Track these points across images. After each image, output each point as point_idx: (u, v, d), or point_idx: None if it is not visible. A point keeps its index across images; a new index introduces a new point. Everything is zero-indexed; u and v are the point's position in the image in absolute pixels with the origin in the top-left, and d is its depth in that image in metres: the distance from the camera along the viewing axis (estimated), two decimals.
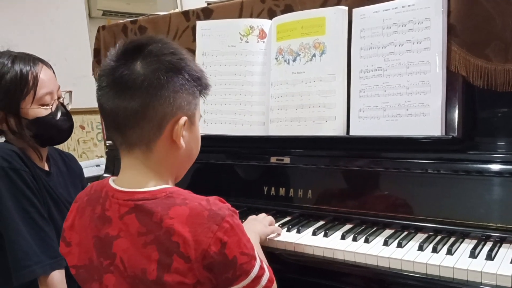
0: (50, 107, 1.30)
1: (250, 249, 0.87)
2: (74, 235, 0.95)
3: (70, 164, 1.50)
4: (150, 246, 0.83)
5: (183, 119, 0.89)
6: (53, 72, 1.36)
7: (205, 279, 0.83)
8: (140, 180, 0.89)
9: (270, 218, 1.28)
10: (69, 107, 1.40)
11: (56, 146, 1.49)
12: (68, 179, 1.45)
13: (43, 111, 1.29)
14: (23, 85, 1.25)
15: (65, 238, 0.97)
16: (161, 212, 0.83)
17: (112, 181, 0.93)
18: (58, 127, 1.33)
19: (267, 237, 1.22)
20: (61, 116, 1.33)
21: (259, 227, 1.18)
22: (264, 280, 0.87)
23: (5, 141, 1.32)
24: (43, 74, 1.30)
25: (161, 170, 0.91)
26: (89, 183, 1.99)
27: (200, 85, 0.92)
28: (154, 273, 0.82)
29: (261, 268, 0.87)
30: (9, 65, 1.26)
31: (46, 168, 1.39)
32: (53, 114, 1.31)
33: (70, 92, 1.42)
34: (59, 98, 1.35)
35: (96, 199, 0.93)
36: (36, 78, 1.27)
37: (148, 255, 0.83)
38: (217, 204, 0.85)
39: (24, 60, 1.28)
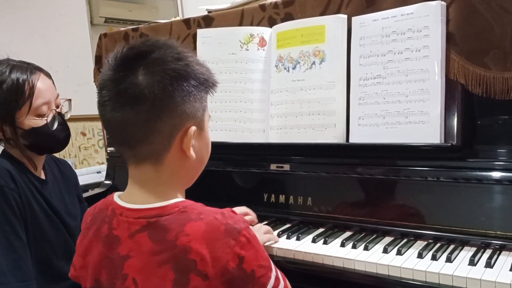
0: (46, 118, 1.27)
1: (266, 260, 0.84)
2: (77, 257, 0.92)
3: (65, 171, 1.48)
4: (164, 265, 0.79)
5: (192, 129, 0.84)
6: (52, 81, 1.33)
7: None
8: (150, 195, 0.85)
9: (267, 227, 1.28)
10: (68, 116, 1.37)
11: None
12: (63, 187, 1.43)
13: (39, 122, 1.26)
14: (19, 95, 1.22)
15: (73, 261, 0.94)
16: (176, 229, 0.79)
17: (117, 198, 0.88)
18: (54, 137, 1.30)
19: (264, 244, 1.21)
20: (57, 126, 1.30)
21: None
22: None
23: (3, 150, 1.30)
24: (41, 83, 1.26)
25: (172, 183, 0.87)
26: (89, 190, 2.00)
27: (207, 86, 0.87)
28: None
29: (277, 278, 0.85)
30: (7, 74, 1.23)
31: (43, 176, 1.36)
32: (48, 125, 1.28)
33: (69, 100, 1.39)
34: (58, 106, 1.32)
35: (102, 218, 0.88)
36: (32, 88, 1.24)
37: (163, 275, 0.79)
38: (233, 218, 0.82)
39: (21, 70, 1.25)
